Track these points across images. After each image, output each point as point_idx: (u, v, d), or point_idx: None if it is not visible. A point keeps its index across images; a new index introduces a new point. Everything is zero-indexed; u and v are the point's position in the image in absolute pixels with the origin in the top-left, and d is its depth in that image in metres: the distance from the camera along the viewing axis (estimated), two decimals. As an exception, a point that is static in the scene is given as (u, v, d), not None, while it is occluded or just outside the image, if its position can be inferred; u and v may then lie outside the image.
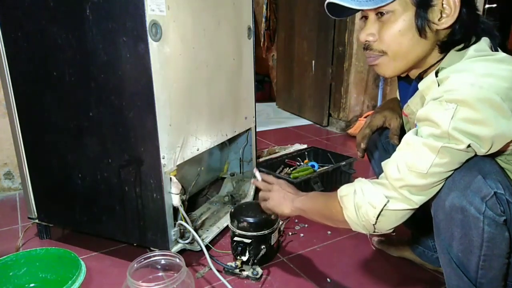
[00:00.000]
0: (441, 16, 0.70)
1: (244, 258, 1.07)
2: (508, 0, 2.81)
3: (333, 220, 0.87)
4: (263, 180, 1.08)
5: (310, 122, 2.93)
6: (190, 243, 1.11)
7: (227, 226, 1.17)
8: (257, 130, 1.54)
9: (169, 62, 0.99)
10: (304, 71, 2.97)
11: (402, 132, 0.97)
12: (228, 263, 1.09)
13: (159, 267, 0.98)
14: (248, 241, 1.07)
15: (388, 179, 0.74)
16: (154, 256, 0.96)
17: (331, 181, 1.64)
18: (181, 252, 1.09)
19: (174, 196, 1.05)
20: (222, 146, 1.52)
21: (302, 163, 1.78)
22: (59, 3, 0.98)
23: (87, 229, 1.19)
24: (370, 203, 0.75)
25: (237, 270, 1.06)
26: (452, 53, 0.74)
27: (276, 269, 1.11)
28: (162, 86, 0.97)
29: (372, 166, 1.14)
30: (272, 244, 1.11)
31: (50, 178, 1.17)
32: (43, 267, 1.00)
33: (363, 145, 1.03)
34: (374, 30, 0.75)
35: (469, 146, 0.66)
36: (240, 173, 1.57)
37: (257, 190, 1.15)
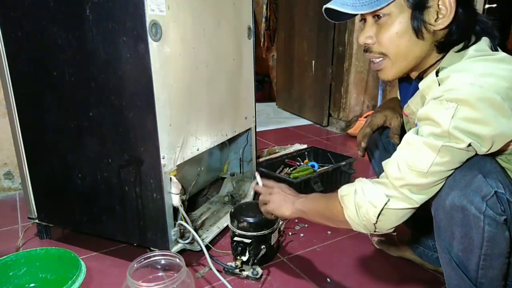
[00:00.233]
0: (437, 17, 0.71)
1: (244, 258, 1.07)
2: (508, 0, 2.81)
3: (334, 221, 0.87)
4: (263, 185, 1.08)
5: (310, 122, 2.93)
6: (190, 243, 1.11)
7: (227, 226, 1.17)
8: (257, 130, 1.54)
9: (169, 62, 0.99)
10: (304, 71, 2.97)
11: (402, 132, 0.97)
12: (228, 263, 1.09)
13: (159, 267, 0.98)
14: (248, 241, 1.07)
15: (389, 178, 0.74)
16: (154, 256, 0.96)
17: (331, 181, 1.64)
18: (181, 252, 1.09)
19: (174, 196, 1.05)
20: (222, 146, 1.52)
21: (302, 163, 1.78)
22: (59, 3, 0.98)
23: (87, 229, 1.19)
24: (371, 202, 0.75)
25: (237, 270, 1.06)
26: (451, 54, 0.74)
27: (276, 269, 1.11)
28: (162, 86, 0.97)
29: (373, 165, 1.14)
30: (272, 244, 1.11)
31: (50, 178, 1.17)
32: (43, 267, 1.00)
33: (363, 144, 1.03)
34: (372, 32, 0.76)
35: (469, 145, 0.66)
36: (240, 173, 1.57)
37: (257, 193, 1.14)
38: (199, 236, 1.07)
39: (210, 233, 1.22)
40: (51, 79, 1.05)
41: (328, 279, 1.07)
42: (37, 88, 1.09)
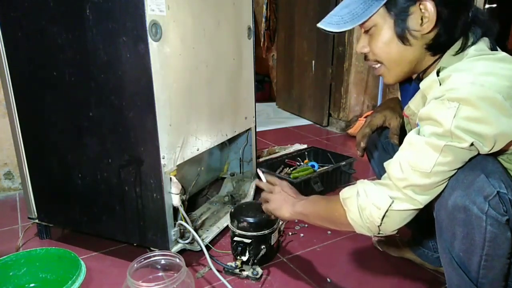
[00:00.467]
0: (422, 21, 0.72)
1: (244, 258, 1.07)
2: (508, 0, 2.81)
3: (336, 224, 0.86)
4: (267, 181, 1.08)
5: (310, 122, 2.93)
6: (190, 243, 1.11)
7: (227, 226, 1.17)
8: (257, 130, 1.54)
9: (169, 62, 0.99)
10: (304, 71, 2.97)
11: (402, 133, 0.97)
12: (228, 263, 1.09)
13: (159, 267, 0.98)
14: (248, 241, 1.07)
15: (392, 179, 0.74)
16: (154, 256, 0.96)
17: (331, 181, 1.64)
18: (181, 252, 1.09)
19: (174, 196, 1.05)
20: (222, 146, 1.52)
21: (302, 163, 1.78)
22: (59, 3, 0.98)
23: (87, 229, 1.19)
24: (375, 204, 0.74)
25: (237, 270, 1.06)
26: (448, 56, 0.75)
27: (276, 269, 1.11)
28: (162, 86, 0.97)
29: (372, 165, 1.14)
30: (272, 244, 1.11)
31: (50, 178, 1.17)
32: (43, 267, 1.00)
33: (363, 144, 1.03)
34: (365, 42, 0.80)
35: (471, 144, 0.66)
36: (240, 173, 1.57)
37: (258, 190, 1.15)
38: (199, 236, 1.07)
39: (210, 233, 1.22)
40: (51, 79, 1.05)
41: (328, 279, 1.07)
42: (37, 88, 1.09)
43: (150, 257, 0.95)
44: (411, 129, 0.89)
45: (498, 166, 0.71)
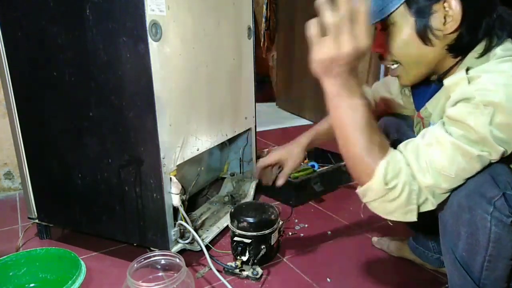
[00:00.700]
0: (445, 21, 0.69)
1: (244, 258, 1.07)
2: (509, 0, 2.80)
3: (351, 161, 0.71)
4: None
5: (310, 122, 2.93)
6: (190, 243, 1.11)
7: (227, 226, 1.17)
8: (257, 130, 1.54)
9: (169, 62, 0.99)
10: (304, 71, 2.97)
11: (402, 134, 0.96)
12: (228, 263, 1.09)
13: (159, 267, 0.98)
14: (248, 241, 1.07)
15: (418, 179, 0.68)
16: (154, 256, 0.96)
17: (331, 181, 1.64)
18: (181, 252, 1.09)
19: (174, 196, 1.05)
20: (222, 146, 1.52)
21: (302, 163, 1.78)
22: (59, 3, 0.98)
23: (87, 229, 1.19)
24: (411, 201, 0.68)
25: (237, 270, 1.06)
26: (471, 58, 0.72)
27: (276, 269, 1.11)
28: (162, 86, 0.97)
29: None
30: (272, 244, 1.11)
31: (50, 178, 1.17)
32: (43, 267, 1.00)
33: (256, 176, 1.10)
34: (382, 41, 0.76)
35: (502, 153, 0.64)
36: (240, 173, 1.57)
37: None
38: (199, 236, 1.07)
39: (210, 233, 1.22)
40: (51, 79, 1.05)
41: (328, 279, 1.07)
42: (37, 88, 1.09)
43: (150, 257, 0.95)
44: (420, 130, 0.87)
45: (505, 167, 0.70)
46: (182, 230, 1.12)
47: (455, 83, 0.69)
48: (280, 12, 3.28)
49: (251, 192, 1.48)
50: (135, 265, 0.92)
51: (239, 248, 1.07)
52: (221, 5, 1.20)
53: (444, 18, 0.69)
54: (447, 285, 1.04)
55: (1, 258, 0.97)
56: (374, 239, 1.23)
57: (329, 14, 0.61)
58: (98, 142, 1.06)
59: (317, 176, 1.55)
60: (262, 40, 3.51)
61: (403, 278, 1.09)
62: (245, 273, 1.06)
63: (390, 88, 1.06)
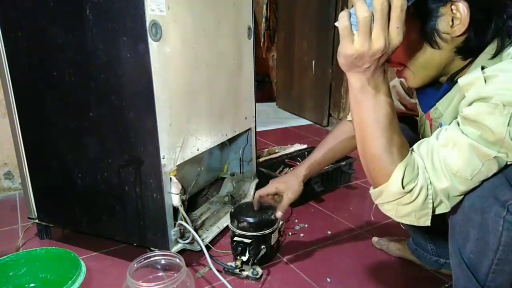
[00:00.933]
0: (453, 23, 0.67)
1: (244, 258, 1.07)
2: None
3: (368, 160, 0.69)
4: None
5: (310, 122, 2.93)
6: (190, 243, 1.11)
7: (227, 226, 1.17)
8: (257, 130, 1.54)
9: (169, 62, 0.99)
10: (304, 71, 2.97)
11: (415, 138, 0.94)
12: (228, 263, 1.09)
13: (159, 267, 0.98)
14: (248, 241, 1.07)
15: (433, 183, 0.67)
16: (154, 256, 0.96)
17: (331, 181, 1.64)
18: (181, 252, 1.09)
19: (174, 196, 1.05)
20: (222, 146, 1.52)
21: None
22: (59, 3, 0.98)
23: (87, 229, 1.19)
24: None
25: (237, 270, 1.06)
26: (484, 59, 0.70)
27: (276, 269, 1.11)
28: (162, 86, 0.97)
29: None
30: (272, 244, 1.11)
31: (50, 178, 1.17)
32: (43, 267, 1.00)
33: (255, 207, 1.11)
34: None
35: None
36: (240, 173, 1.57)
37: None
38: (199, 236, 1.07)
39: (210, 233, 1.22)
40: (51, 79, 1.05)
41: (328, 279, 1.07)
42: (37, 88, 1.09)
43: (150, 257, 0.95)
44: (424, 131, 0.86)
45: None
46: (182, 230, 1.12)
47: (470, 82, 0.66)
48: (280, 12, 3.29)
49: (251, 192, 1.48)
50: (135, 265, 0.92)
51: (239, 248, 1.07)
52: (221, 5, 1.20)
53: (452, 21, 0.67)
54: (447, 285, 1.04)
55: (1, 258, 0.97)
56: (374, 239, 1.23)
57: (363, 8, 0.59)
58: (98, 142, 1.06)
59: (317, 176, 1.55)
60: (262, 40, 3.51)
61: (403, 278, 1.09)
62: (245, 273, 1.06)
63: (398, 89, 1.05)
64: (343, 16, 0.60)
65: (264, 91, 3.78)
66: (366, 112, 0.66)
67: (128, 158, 1.03)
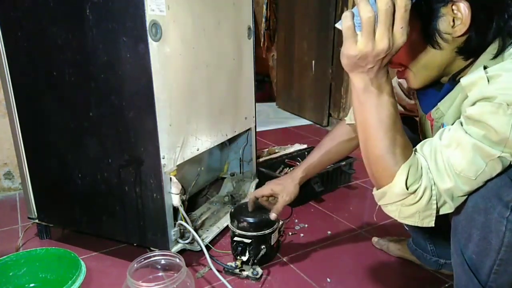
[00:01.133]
0: (454, 24, 0.67)
1: (244, 258, 1.07)
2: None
3: (371, 160, 0.69)
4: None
5: (310, 122, 2.93)
6: (190, 243, 1.11)
7: (227, 226, 1.17)
8: (257, 130, 1.54)
9: (169, 62, 0.99)
10: (304, 71, 2.97)
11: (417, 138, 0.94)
12: (228, 263, 1.09)
13: (159, 267, 0.98)
14: (248, 241, 1.07)
15: (436, 183, 0.67)
16: (154, 256, 0.96)
17: (331, 181, 1.64)
18: (181, 252, 1.09)
19: (174, 196, 1.05)
20: (222, 146, 1.52)
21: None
22: (59, 3, 0.98)
23: (87, 229, 1.19)
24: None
25: (237, 270, 1.06)
26: (485, 60, 0.69)
27: (276, 269, 1.12)
28: (162, 86, 0.97)
29: None
30: (272, 244, 1.11)
31: (50, 178, 1.17)
32: (43, 267, 1.00)
33: (250, 209, 1.11)
34: None
35: None
36: (240, 173, 1.57)
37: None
38: (199, 236, 1.07)
39: (210, 233, 1.22)
40: (51, 79, 1.05)
41: (328, 279, 1.07)
42: (37, 88, 1.09)
43: (150, 257, 0.95)
44: (425, 131, 0.86)
45: None
46: (182, 230, 1.12)
47: (473, 82, 0.65)
48: (280, 12, 3.29)
49: (252, 191, 1.48)
50: (135, 265, 0.92)
51: (239, 248, 1.07)
52: (221, 5, 1.20)
53: (453, 21, 0.67)
54: (447, 285, 1.04)
55: (1, 258, 0.97)
56: (374, 239, 1.23)
57: (366, 8, 0.58)
58: (98, 142, 1.06)
59: (317, 176, 1.55)
60: (262, 40, 3.51)
61: (403, 278, 1.09)
62: (245, 273, 1.06)
63: (396, 90, 1.05)
64: (346, 16, 0.60)
65: (264, 91, 3.78)
66: (369, 113, 0.66)
67: (128, 158, 1.03)
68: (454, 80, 0.74)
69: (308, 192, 1.54)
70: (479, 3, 0.65)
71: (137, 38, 0.92)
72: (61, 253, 1.00)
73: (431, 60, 0.71)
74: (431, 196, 0.66)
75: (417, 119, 0.92)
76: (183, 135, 1.08)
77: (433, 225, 0.69)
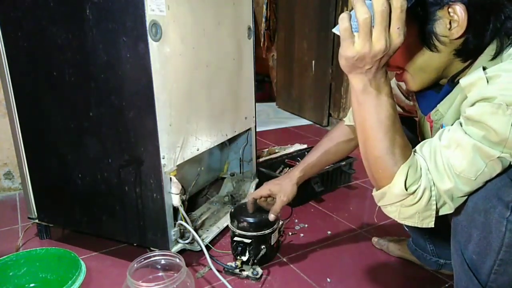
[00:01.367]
0: (451, 26, 0.67)
1: (244, 258, 1.07)
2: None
3: (370, 161, 0.69)
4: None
5: (310, 122, 2.93)
6: (190, 243, 1.11)
7: (227, 226, 1.17)
8: (257, 130, 1.54)
9: (169, 62, 0.99)
10: (304, 71, 2.97)
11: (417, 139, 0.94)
12: (228, 263, 1.09)
13: (159, 267, 0.98)
14: (248, 241, 1.07)
15: (436, 184, 0.67)
16: (154, 256, 0.96)
17: (331, 181, 1.64)
18: (181, 252, 1.09)
19: (174, 196, 1.05)
20: (222, 146, 1.52)
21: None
22: (59, 3, 0.98)
23: (87, 229, 1.19)
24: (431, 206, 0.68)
25: (237, 270, 1.06)
26: (484, 61, 0.69)
27: (276, 269, 1.12)
28: (162, 86, 0.97)
29: None
30: (272, 244, 1.11)
31: (50, 178, 1.17)
32: (43, 267, 1.00)
33: (250, 210, 1.11)
34: None
35: None
36: (240, 173, 1.57)
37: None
38: (199, 236, 1.07)
39: (210, 233, 1.22)
40: (51, 79, 1.05)
41: (328, 279, 1.07)
42: (37, 88, 1.09)
43: (150, 257, 0.95)
44: (424, 133, 0.86)
45: None
46: (182, 230, 1.12)
47: (473, 83, 0.65)
48: (280, 12, 3.29)
49: (251, 192, 1.48)
50: (135, 265, 0.92)
51: (239, 248, 1.07)
52: (221, 5, 1.20)
53: (450, 23, 0.67)
54: (447, 285, 1.04)
55: (1, 258, 0.97)
56: (374, 239, 1.23)
57: (362, 9, 0.58)
58: (98, 142, 1.06)
59: (317, 176, 1.55)
60: (262, 40, 3.51)
61: (403, 278, 1.09)
62: (245, 273, 1.06)
63: (395, 91, 1.05)
64: (343, 18, 0.60)
65: (264, 91, 3.78)
66: (368, 114, 0.66)
67: (128, 158, 1.03)
68: (453, 82, 0.74)
69: (308, 192, 1.54)
70: (475, 5, 0.65)
71: (137, 38, 0.92)
72: (61, 253, 1.00)
73: (429, 63, 0.71)
74: (431, 197, 0.66)
75: (417, 119, 0.92)
76: (183, 135, 1.08)
77: (433, 226, 0.69)
